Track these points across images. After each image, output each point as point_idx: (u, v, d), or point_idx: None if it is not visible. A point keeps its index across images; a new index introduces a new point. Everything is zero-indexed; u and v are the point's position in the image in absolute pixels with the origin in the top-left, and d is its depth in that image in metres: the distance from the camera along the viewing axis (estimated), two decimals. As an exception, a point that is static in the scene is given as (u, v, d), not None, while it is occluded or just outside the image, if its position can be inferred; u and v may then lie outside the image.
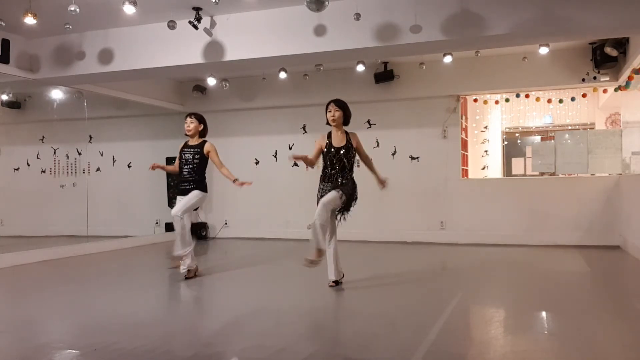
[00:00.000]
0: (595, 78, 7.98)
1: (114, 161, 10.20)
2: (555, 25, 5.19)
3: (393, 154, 9.11)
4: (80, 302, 4.83)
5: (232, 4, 5.86)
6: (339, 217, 5.06)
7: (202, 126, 5.74)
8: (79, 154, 9.73)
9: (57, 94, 9.01)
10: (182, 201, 5.54)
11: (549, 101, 9.35)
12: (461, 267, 6.60)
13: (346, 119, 5.06)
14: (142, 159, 9.65)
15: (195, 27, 5.96)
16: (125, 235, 9.17)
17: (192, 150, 5.66)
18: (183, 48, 6.34)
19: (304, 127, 9.61)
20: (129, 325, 3.93)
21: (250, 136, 9.96)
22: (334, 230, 5.05)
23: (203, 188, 5.64)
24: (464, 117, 9.36)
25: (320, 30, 5.84)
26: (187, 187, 5.59)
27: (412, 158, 8.99)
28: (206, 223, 10.21)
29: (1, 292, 5.61)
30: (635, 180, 6.93)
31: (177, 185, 5.85)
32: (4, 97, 9.04)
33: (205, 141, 5.73)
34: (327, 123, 5.07)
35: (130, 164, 10.16)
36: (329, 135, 5.05)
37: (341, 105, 5.03)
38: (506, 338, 3.58)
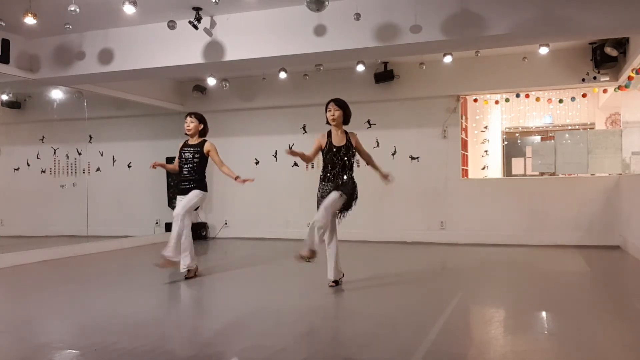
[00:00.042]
0: (595, 78, 7.98)
1: (114, 161, 10.20)
2: (555, 25, 5.19)
3: (393, 154, 9.11)
4: (80, 302, 4.83)
5: (232, 4, 5.86)
6: (339, 216, 5.06)
7: (202, 126, 5.74)
8: (79, 154, 9.73)
9: (57, 94, 9.01)
10: (182, 201, 5.54)
11: (549, 101, 9.35)
12: (461, 267, 6.60)
13: (346, 118, 5.06)
14: (142, 159, 9.64)
15: (195, 27, 5.96)
16: (125, 235, 9.17)
17: (192, 149, 5.66)
18: (183, 48, 6.34)
19: (304, 127, 9.61)
20: (129, 325, 3.93)
21: (250, 136, 9.96)
22: (334, 230, 5.05)
23: (203, 187, 5.64)
24: (464, 117, 9.36)
25: (320, 30, 5.84)
26: (187, 186, 5.59)
27: (412, 158, 8.99)
28: (206, 223, 10.21)
29: (1, 292, 5.61)
30: (635, 180, 6.93)
31: (177, 185, 5.84)
32: (4, 97, 9.04)
33: (205, 140, 5.73)
34: (327, 122, 5.07)
35: (130, 164, 10.16)
36: (329, 135, 5.05)
37: (341, 104, 5.03)
38: (506, 338, 3.58)
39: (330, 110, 5.01)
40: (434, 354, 3.16)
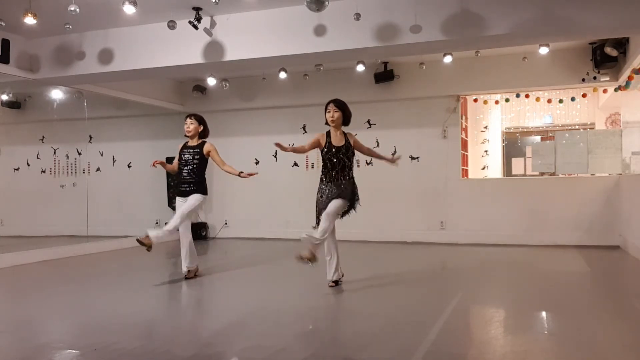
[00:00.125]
0: (595, 78, 7.98)
1: (114, 161, 10.21)
2: (555, 25, 5.19)
3: (393, 154, 9.08)
4: (80, 302, 4.83)
5: (232, 4, 5.86)
6: (342, 217, 5.08)
7: (202, 127, 5.73)
8: (79, 154, 9.74)
9: (57, 94, 9.01)
10: (182, 207, 5.49)
11: (549, 101, 9.35)
12: (461, 267, 6.60)
13: (346, 119, 5.06)
14: (142, 159, 9.64)
15: (195, 27, 5.96)
16: (125, 235, 9.16)
17: (191, 151, 5.64)
18: (183, 48, 6.34)
19: (304, 127, 9.61)
20: (129, 325, 3.93)
21: (250, 136, 9.96)
22: (333, 230, 5.05)
23: (203, 190, 5.62)
24: (464, 117, 9.36)
25: (320, 30, 5.84)
26: (187, 188, 5.58)
27: (412, 158, 8.99)
28: (206, 223, 10.21)
29: (1, 292, 5.61)
30: (635, 180, 6.93)
31: (176, 186, 5.83)
32: (4, 97, 9.04)
33: (204, 142, 5.72)
34: (326, 123, 5.07)
35: (130, 164, 10.16)
36: (328, 135, 5.05)
37: (340, 105, 5.03)
38: (506, 338, 3.58)
39: (329, 112, 5.00)
40: (434, 354, 3.16)
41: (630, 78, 7.08)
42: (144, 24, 6.44)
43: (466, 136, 9.68)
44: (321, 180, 5.06)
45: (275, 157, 9.80)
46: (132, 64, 6.64)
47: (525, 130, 10.35)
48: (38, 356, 3.29)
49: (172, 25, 6.03)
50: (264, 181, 9.18)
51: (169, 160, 7.86)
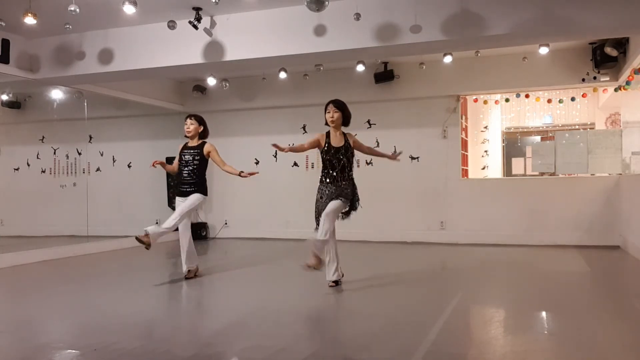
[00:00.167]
0: (595, 78, 7.98)
1: (114, 161, 10.21)
2: (555, 25, 5.19)
3: (393, 153, 9.09)
4: (80, 302, 4.83)
5: (232, 4, 5.86)
6: (344, 217, 5.09)
7: (202, 128, 5.72)
8: (79, 154, 9.74)
9: (57, 94, 9.01)
10: (180, 207, 5.49)
11: (549, 101, 9.35)
12: (461, 267, 6.60)
13: (345, 120, 5.06)
14: (142, 159, 9.64)
15: (195, 27, 5.96)
16: (125, 235, 9.16)
17: (192, 151, 5.64)
18: (183, 48, 6.34)
19: (304, 127, 9.61)
20: (129, 325, 3.93)
21: (250, 136, 9.96)
22: (332, 230, 5.05)
23: (203, 191, 5.62)
24: (464, 117, 9.36)
25: (320, 30, 5.84)
26: (188, 189, 5.57)
27: (412, 158, 8.99)
28: (206, 223, 10.21)
29: (1, 292, 5.61)
30: (635, 180, 6.93)
31: (176, 186, 5.83)
32: (4, 97, 9.04)
33: (204, 142, 5.72)
34: (326, 124, 5.07)
35: (130, 164, 10.16)
36: (327, 135, 5.05)
37: (340, 106, 5.03)
38: (506, 338, 3.58)
39: (329, 112, 5.00)
40: (434, 354, 3.16)
41: (630, 78, 7.08)
42: (144, 24, 6.44)
43: (466, 136, 9.67)
44: (321, 180, 5.05)
45: (275, 157, 9.80)
46: (132, 64, 6.64)
47: (525, 130, 10.35)
48: (38, 356, 3.29)
49: (172, 25, 6.03)
50: (264, 181, 9.18)
51: (169, 160, 7.87)
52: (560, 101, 9.20)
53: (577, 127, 9.77)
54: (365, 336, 3.57)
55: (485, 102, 9.52)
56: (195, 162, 5.60)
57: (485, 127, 10.33)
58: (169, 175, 9.56)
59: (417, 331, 3.62)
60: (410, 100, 9.01)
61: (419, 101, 8.99)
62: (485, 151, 10.34)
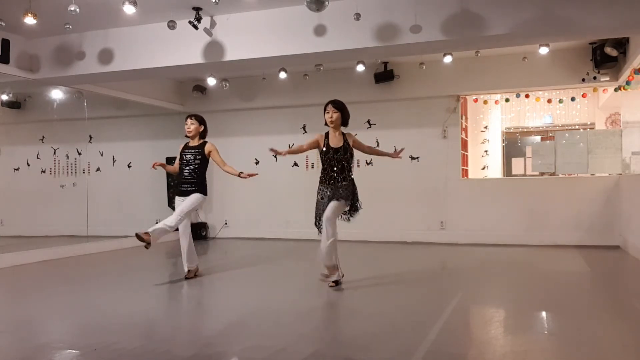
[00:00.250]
0: (595, 78, 7.98)
1: (114, 161, 10.20)
2: (555, 25, 5.19)
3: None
4: (80, 302, 4.83)
5: (232, 4, 5.86)
6: (347, 218, 5.12)
7: (202, 127, 5.73)
8: (79, 154, 9.73)
9: (57, 94, 9.01)
10: (181, 206, 5.50)
11: (549, 101, 9.35)
12: (461, 267, 6.60)
13: (344, 120, 5.07)
14: (142, 159, 9.65)
15: (195, 27, 5.96)
16: (125, 235, 9.16)
17: (193, 151, 5.65)
18: (183, 48, 6.34)
19: (304, 127, 9.61)
20: (129, 325, 3.93)
21: (250, 136, 9.96)
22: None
23: (203, 191, 5.62)
24: (464, 117, 9.36)
25: (320, 30, 5.84)
26: (188, 189, 5.57)
27: (412, 158, 8.99)
28: (206, 223, 10.21)
29: (1, 292, 5.61)
30: (635, 180, 6.93)
31: (177, 186, 5.83)
32: (4, 97, 9.03)
33: (205, 142, 5.72)
34: (326, 124, 5.07)
35: (130, 164, 10.16)
36: (326, 136, 5.06)
37: (339, 106, 5.03)
38: (506, 338, 3.58)
39: (328, 112, 5.01)
40: (434, 354, 3.16)
41: (630, 78, 7.08)
42: (144, 24, 6.44)
43: (466, 136, 9.68)
44: (321, 181, 5.06)
45: (275, 157, 9.79)
46: (132, 64, 6.64)
47: (525, 130, 10.35)
48: (38, 356, 3.29)
49: (172, 25, 6.03)
50: (264, 181, 9.18)
51: (169, 160, 7.87)
52: (560, 101, 9.20)
53: (577, 127, 9.77)
54: (365, 336, 3.57)
55: (485, 102, 9.52)
56: (196, 161, 5.60)
57: (485, 127, 10.33)
58: (169, 175, 9.56)
59: (417, 331, 3.62)
60: (410, 100, 9.01)
61: (419, 101, 8.99)
62: (485, 151, 10.35)
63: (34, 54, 7.04)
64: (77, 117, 9.14)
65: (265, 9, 6.03)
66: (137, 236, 5.17)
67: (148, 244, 5.17)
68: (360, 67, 8.28)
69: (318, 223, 5.08)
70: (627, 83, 7.23)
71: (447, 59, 7.59)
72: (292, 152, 5.08)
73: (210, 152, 5.64)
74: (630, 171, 7.53)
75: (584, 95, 8.92)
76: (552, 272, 6.10)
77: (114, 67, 6.67)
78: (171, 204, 8.90)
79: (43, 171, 10.03)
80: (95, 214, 9.04)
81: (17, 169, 10.13)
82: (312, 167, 9.49)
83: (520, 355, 3.15)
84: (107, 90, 8.51)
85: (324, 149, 5.00)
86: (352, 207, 5.08)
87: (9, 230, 9.45)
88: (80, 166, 9.68)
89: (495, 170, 10.29)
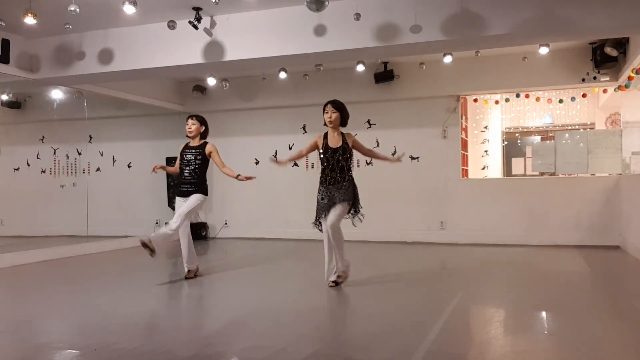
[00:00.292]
0: (595, 78, 7.98)
1: (114, 161, 10.20)
2: (555, 25, 5.19)
3: (393, 154, 9.08)
4: (80, 302, 4.82)
5: (232, 4, 5.86)
6: (352, 219, 5.14)
7: (203, 128, 5.73)
8: (79, 154, 9.74)
9: (57, 94, 9.01)
10: (182, 207, 5.50)
11: (549, 101, 9.36)
12: (461, 267, 6.60)
13: (343, 120, 5.07)
14: (142, 159, 9.65)
15: (195, 27, 5.96)
16: (125, 235, 9.17)
17: (194, 151, 5.65)
18: (183, 48, 6.34)
19: (304, 127, 9.61)
20: (129, 325, 3.93)
21: (250, 136, 9.96)
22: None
23: (204, 191, 5.62)
24: (464, 117, 9.36)
25: (320, 30, 5.84)
26: (189, 189, 5.57)
27: (412, 158, 8.99)
28: (206, 223, 10.21)
29: (1, 292, 5.61)
30: (635, 180, 6.93)
31: (177, 186, 5.83)
32: (4, 97, 9.04)
33: (206, 142, 5.72)
34: (325, 124, 5.07)
35: (130, 164, 10.16)
36: (325, 136, 5.06)
37: (338, 106, 5.03)
38: (506, 338, 3.58)
39: (327, 112, 5.01)
40: (434, 354, 3.16)
41: (630, 78, 7.07)
42: (144, 24, 6.44)
43: (466, 136, 9.68)
44: (321, 181, 5.06)
45: (275, 157, 9.77)
46: (132, 64, 6.64)
47: (525, 130, 10.36)
48: (38, 356, 3.29)
49: (172, 25, 6.03)
50: (264, 181, 9.17)
51: (169, 160, 7.87)
52: (560, 101, 9.20)
53: (577, 127, 9.78)
54: (365, 336, 3.57)
55: (485, 102, 9.52)
56: (197, 161, 5.60)
57: (485, 127, 10.34)
58: (169, 175, 9.56)
59: (417, 331, 3.62)
60: (410, 100, 9.01)
61: (419, 101, 8.99)
62: (485, 151, 10.35)
63: (34, 54, 7.04)
64: (77, 117, 9.14)
65: (265, 9, 6.03)
66: (143, 244, 5.19)
67: (153, 252, 5.18)
68: (360, 67, 8.28)
69: (318, 223, 5.09)
70: (627, 83, 7.22)
71: (447, 59, 7.59)
72: (292, 159, 5.11)
73: (210, 152, 5.64)
74: (630, 171, 7.53)
75: (584, 95, 8.92)
76: (552, 272, 6.10)
77: (114, 67, 6.67)
78: (171, 204, 8.92)
79: (43, 171, 10.03)
80: (95, 214, 9.04)
81: (17, 169, 10.14)
82: (312, 167, 9.48)
83: (520, 355, 3.15)
84: (107, 90, 8.51)
85: (322, 149, 5.00)
86: (354, 207, 5.08)
87: (9, 230, 9.45)
88: (80, 166, 9.68)
89: (495, 170, 10.29)
